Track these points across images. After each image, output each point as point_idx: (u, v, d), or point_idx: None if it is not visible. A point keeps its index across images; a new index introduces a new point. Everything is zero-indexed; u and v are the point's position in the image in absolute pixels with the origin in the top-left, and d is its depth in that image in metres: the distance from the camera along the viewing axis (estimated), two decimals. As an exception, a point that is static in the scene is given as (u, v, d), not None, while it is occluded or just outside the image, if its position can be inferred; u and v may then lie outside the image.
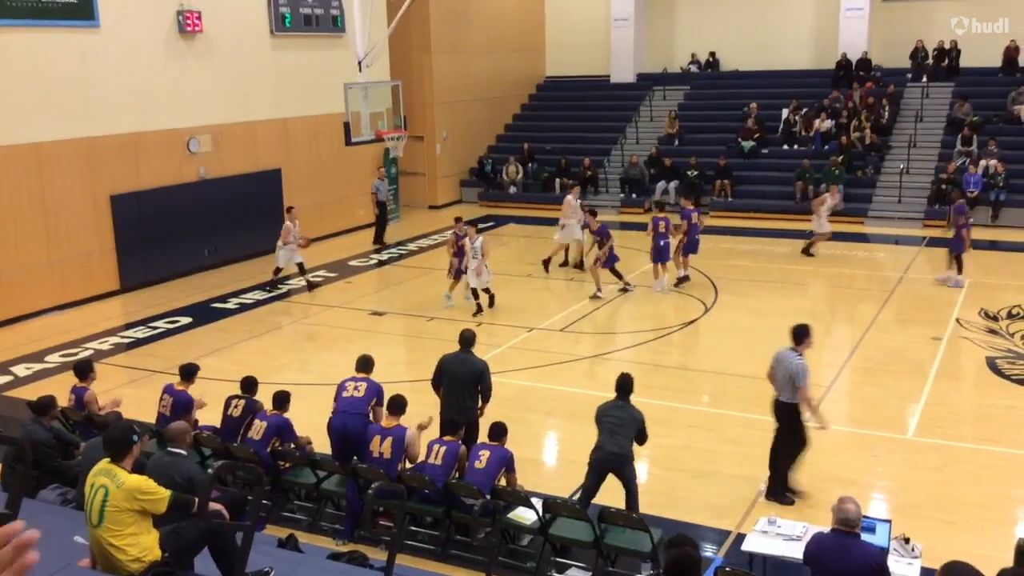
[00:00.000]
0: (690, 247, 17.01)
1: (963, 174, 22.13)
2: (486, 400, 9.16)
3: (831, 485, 9.04)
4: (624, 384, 8.35)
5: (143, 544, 5.28)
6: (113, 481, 5.27)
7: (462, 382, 9.07)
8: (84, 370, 9.71)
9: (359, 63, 18.02)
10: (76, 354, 14.20)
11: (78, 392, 9.56)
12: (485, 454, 8.09)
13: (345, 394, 8.87)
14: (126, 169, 17.63)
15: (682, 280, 17.04)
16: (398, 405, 8.49)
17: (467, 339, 9.34)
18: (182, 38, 18.45)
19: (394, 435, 8.29)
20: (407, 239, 22.43)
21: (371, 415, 8.79)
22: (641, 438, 8.19)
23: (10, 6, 15.35)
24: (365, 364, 9.14)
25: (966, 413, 11.17)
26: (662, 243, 16.40)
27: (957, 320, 14.61)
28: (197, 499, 5.43)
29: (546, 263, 18.08)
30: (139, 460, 7.01)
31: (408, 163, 25.38)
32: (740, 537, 7.84)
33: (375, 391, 8.87)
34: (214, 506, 5.72)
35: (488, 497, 7.73)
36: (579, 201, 17.99)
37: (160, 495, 5.32)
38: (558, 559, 7.85)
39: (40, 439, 7.94)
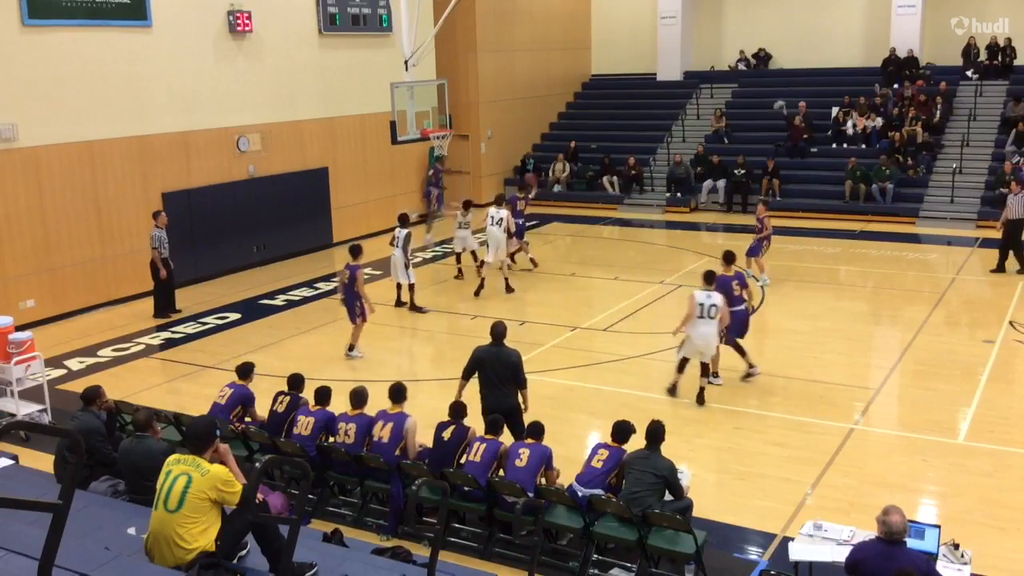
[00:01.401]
0: (518, 234, 18.18)
1: (1019, 172, 21.62)
2: (522, 388, 9.32)
3: (879, 489, 8.94)
4: (655, 432, 7.89)
5: (210, 536, 5.44)
6: (198, 470, 5.45)
7: (499, 374, 9.26)
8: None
9: (405, 62, 18.13)
10: (127, 349, 14.52)
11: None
12: (525, 452, 8.11)
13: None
14: (177, 167, 17.94)
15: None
16: (399, 393, 8.75)
17: (499, 333, 9.49)
18: (232, 38, 18.71)
19: (395, 421, 8.61)
20: (452, 237, 22.44)
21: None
22: (675, 492, 7.70)
23: (65, 6, 15.67)
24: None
25: (1018, 418, 10.93)
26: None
27: (1010, 323, 14.33)
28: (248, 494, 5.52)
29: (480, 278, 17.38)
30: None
31: (453, 162, 25.50)
32: (785, 540, 7.77)
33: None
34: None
35: (531, 495, 7.75)
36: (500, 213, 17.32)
37: (237, 488, 5.48)
38: (601, 558, 7.84)
39: (92, 427, 8.11)
